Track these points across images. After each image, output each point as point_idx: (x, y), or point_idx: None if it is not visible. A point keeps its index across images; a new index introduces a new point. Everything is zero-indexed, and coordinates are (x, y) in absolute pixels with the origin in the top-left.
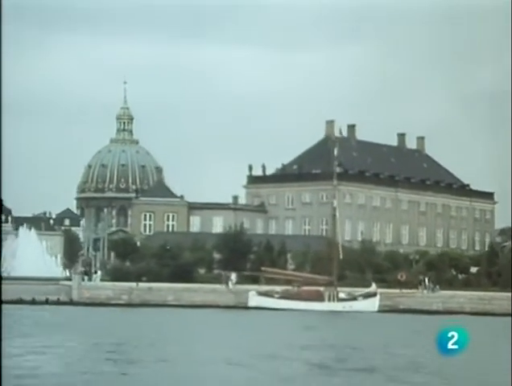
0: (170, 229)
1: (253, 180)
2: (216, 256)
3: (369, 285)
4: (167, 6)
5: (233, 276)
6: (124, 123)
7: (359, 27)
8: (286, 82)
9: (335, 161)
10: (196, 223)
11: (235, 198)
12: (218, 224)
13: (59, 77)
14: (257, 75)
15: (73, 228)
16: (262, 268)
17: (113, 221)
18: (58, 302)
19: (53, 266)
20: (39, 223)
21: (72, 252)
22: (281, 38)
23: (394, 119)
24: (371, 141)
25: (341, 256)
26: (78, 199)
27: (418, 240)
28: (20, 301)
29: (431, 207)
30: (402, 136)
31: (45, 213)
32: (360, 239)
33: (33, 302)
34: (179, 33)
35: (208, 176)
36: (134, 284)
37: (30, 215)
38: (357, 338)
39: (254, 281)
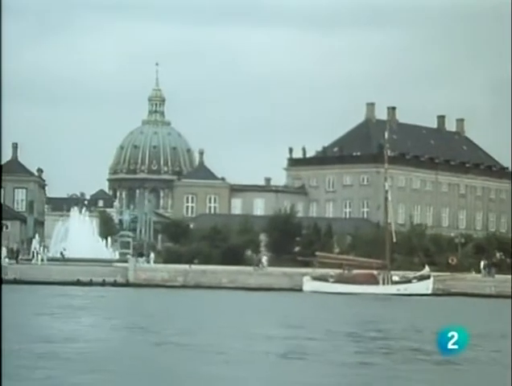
0: (212, 211)
1: (293, 162)
2: (264, 238)
3: (417, 269)
4: None
5: (264, 259)
6: (156, 105)
7: (399, 9)
8: (325, 64)
9: (386, 144)
10: (237, 206)
11: (268, 180)
12: (259, 206)
13: (92, 60)
14: (294, 57)
15: (107, 209)
16: (316, 253)
17: (146, 202)
18: (115, 284)
19: (103, 247)
20: (77, 204)
21: (107, 234)
22: (317, 19)
23: (433, 101)
24: (411, 123)
25: (395, 240)
26: (110, 180)
27: (458, 222)
28: (78, 283)
29: (470, 189)
30: (441, 118)
31: (82, 194)
32: (403, 222)
33: (90, 284)
34: (212, 14)
35: (246, 158)
36: (187, 266)
37: (64, 195)
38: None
39: (305, 264)
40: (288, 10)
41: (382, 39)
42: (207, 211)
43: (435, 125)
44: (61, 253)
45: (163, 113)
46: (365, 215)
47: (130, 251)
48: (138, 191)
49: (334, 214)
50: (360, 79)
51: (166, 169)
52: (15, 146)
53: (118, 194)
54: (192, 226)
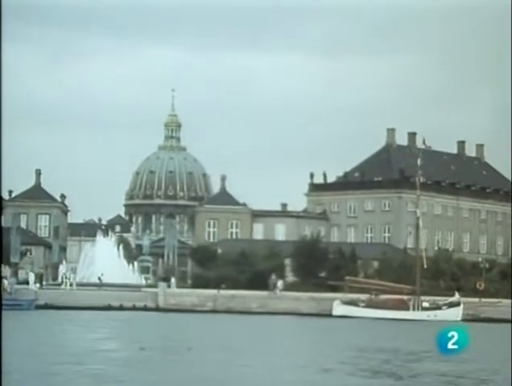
0: (233, 236)
1: (314, 188)
2: (290, 263)
3: (443, 294)
4: (215, 13)
5: (280, 283)
6: (172, 130)
7: (415, 34)
8: (341, 89)
9: (419, 170)
10: (258, 231)
11: (284, 205)
12: (281, 232)
13: (108, 86)
14: (312, 82)
15: (124, 235)
16: (346, 278)
17: (161, 228)
18: (145, 308)
19: (129, 272)
20: (94, 229)
21: (127, 259)
22: (334, 44)
23: (453, 126)
24: (431, 148)
25: (425, 266)
26: (126, 205)
27: (479, 247)
28: (109, 308)
29: (491, 214)
30: (461, 143)
31: (100, 219)
32: (425, 246)
33: (121, 308)
34: (230, 40)
35: (266, 183)
36: (216, 291)
37: (81, 221)
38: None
39: (332, 288)
40: (303, 36)
41: (401, 64)
42: (228, 236)
43: (454, 151)
44: (99, 278)
45: (178, 139)
46: (387, 240)
47: (150, 275)
48: (154, 217)
49: (356, 239)
50: (378, 103)
51: (182, 194)
52: (38, 173)
53: (134, 219)
54: (220, 251)
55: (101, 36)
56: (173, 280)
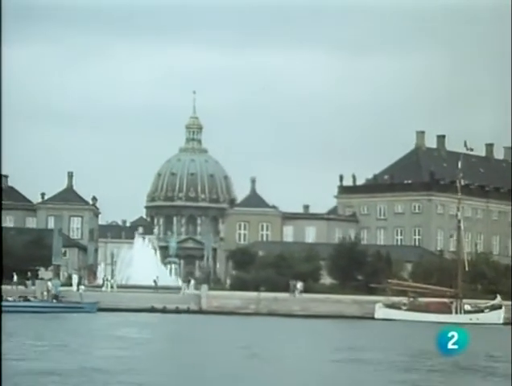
0: (264, 239)
1: (344, 190)
2: (327, 265)
3: (480, 297)
4: (236, 12)
5: (299, 285)
6: (193, 132)
7: (444, 32)
8: (365, 91)
9: (460, 173)
10: (288, 233)
11: (306, 207)
12: (311, 234)
13: (128, 86)
14: (338, 83)
15: (147, 236)
16: (389, 281)
17: (182, 230)
18: (188, 311)
19: (167, 274)
20: (119, 231)
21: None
22: (360, 43)
23: (482, 129)
24: (460, 151)
25: (467, 268)
26: (148, 207)
27: (508, 250)
28: (152, 310)
29: None
30: (489, 146)
31: (124, 221)
32: (456, 249)
33: (164, 311)
34: (252, 38)
35: (289, 185)
36: (256, 293)
37: (104, 223)
38: None
39: (371, 291)
40: (328, 34)
41: (429, 65)
42: (259, 238)
43: (483, 153)
44: (154, 281)
45: (200, 141)
46: (417, 243)
47: (178, 277)
48: (175, 218)
49: (385, 241)
50: (406, 105)
51: (203, 196)
52: (71, 175)
53: (156, 221)
54: (261, 253)
55: (122, 36)
56: (192, 282)
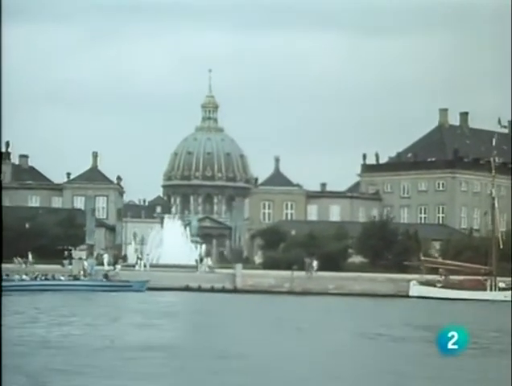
0: (288, 218)
1: (367, 168)
2: (356, 244)
3: (509, 275)
4: None
5: (315, 263)
6: (209, 111)
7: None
8: (387, 70)
9: (494, 150)
10: (313, 212)
11: (323, 185)
12: (335, 213)
13: (145, 67)
14: (359, 62)
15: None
16: (422, 258)
17: (199, 208)
18: (223, 290)
19: (196, 254)
20: (139, 210)
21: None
22: (384, 23)
23: (504, 106)
24: (483, 128)
25: (502, 246)
26: (164, 186)
27: None
28: (187, 289)
29: None
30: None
31: (143, 201)
32: (478, 227)
33: (199, 290)
34: (270, 18)
35: (306, 163)
36: (289, 272)
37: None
38: None
39: (402, 269)
40: (348, 14)
41: (451, 43)
42: (283, 217)
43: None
44: (196, 261)
45: (216, 120)
46: (441, 221)
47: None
48: (192, 197)
49: (409, 219)
50: (430, 82)
51: (220, 175)
52: (95, 155)
53: (172, 200)
54: (293, 233)
55: (134, 18)
56: (206, 259)
